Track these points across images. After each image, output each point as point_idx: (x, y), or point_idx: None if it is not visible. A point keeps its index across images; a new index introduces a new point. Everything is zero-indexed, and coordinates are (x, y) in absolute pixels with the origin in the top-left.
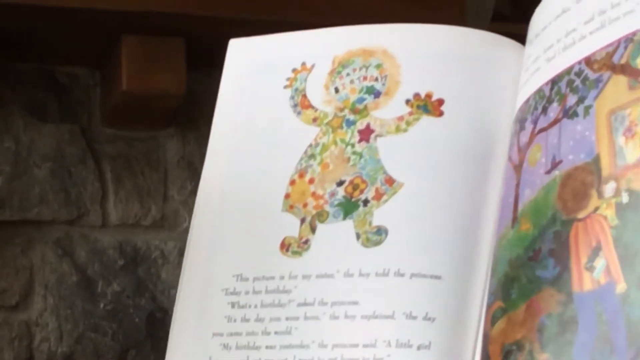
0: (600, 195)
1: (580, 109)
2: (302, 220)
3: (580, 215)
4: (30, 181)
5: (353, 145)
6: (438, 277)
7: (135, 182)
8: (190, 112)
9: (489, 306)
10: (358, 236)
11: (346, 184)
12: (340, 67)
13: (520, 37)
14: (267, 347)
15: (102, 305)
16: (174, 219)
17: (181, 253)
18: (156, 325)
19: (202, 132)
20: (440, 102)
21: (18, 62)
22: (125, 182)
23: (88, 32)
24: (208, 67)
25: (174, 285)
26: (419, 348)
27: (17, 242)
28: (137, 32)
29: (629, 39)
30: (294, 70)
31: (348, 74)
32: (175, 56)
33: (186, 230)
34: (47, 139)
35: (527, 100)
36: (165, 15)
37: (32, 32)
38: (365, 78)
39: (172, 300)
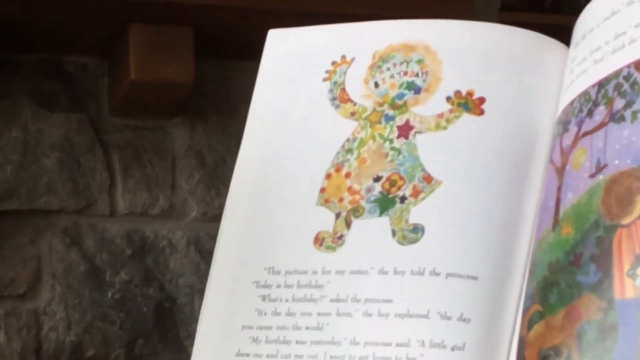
0: None
1: (627, 114)
2: (337, 215)
3: (625, 221)
4: (39, 171)
5: (391, 141)
6: (474, 278)
7: (143, 172)
8: (198, 101)
9: (526, 310)
10: (394, 233)
11: (383, 179)
12: (380, 61)
13: (528, 26)
14: (297, 342)
15: (110, 294)
16: (182, 208)
17: (189, 242)
18: (164, 315)
19: (209, 121)
20: (482, 100)
21: (26, 53)
22: (133, 171)
23: (96, 21)
24: (216, 56)
25: (182, 274)
26: (453, 349)
27: (26, 232)
28: (145, 21)
29: None
30: (333, 63)
31: (388, 69)
32: (184, 45)
33: (194, 220)
34: (55, 129)
35: (572, 103)
36: (174, 5)
37: (40, 22)
38: (405, 73)
39: (180, 290)
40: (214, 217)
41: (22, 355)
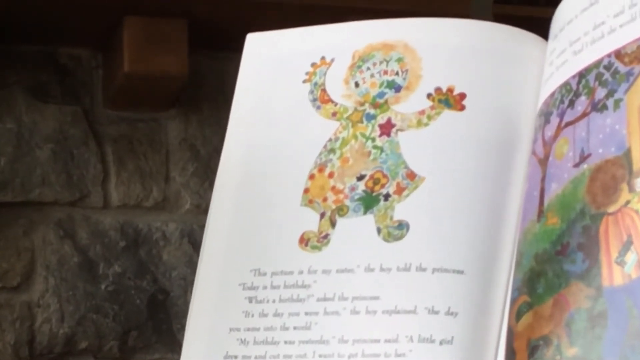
0: (631, 189)
1: (610, 103)
2: (322, 215)
3: (611, 209)
4: (32, 163)
5: (374, 140)
6: (460, 272)
7: (137, 164)
8: (192, 93)
9: (513, 301)
10: (379, 231)
11: (367, 178)
12: (360, 61)
13: (523, 19)
14: (285, 342)
15: (103, 286)
16: (176, 201)
17: (182, 235)
18: (157, 307)
19: (204, 114)
20: (462, 96)
21: (21, 44)
22: (127, 163)
23: (90, 13)
24: (210, 48)
25: (175, 267)
26: (441, 343)
27: (19, 224)
28: (140, 13)
29: None
30: (313, 64)
31: (368, 68)
32: (178, 38)
33: (188, 212)
34: (49, 121)
35: (553, 94)
36: None
37: (35, 14)
38: (385, 72)
39: (173, 282)
40: (208, 210)
41: (15, 347)
